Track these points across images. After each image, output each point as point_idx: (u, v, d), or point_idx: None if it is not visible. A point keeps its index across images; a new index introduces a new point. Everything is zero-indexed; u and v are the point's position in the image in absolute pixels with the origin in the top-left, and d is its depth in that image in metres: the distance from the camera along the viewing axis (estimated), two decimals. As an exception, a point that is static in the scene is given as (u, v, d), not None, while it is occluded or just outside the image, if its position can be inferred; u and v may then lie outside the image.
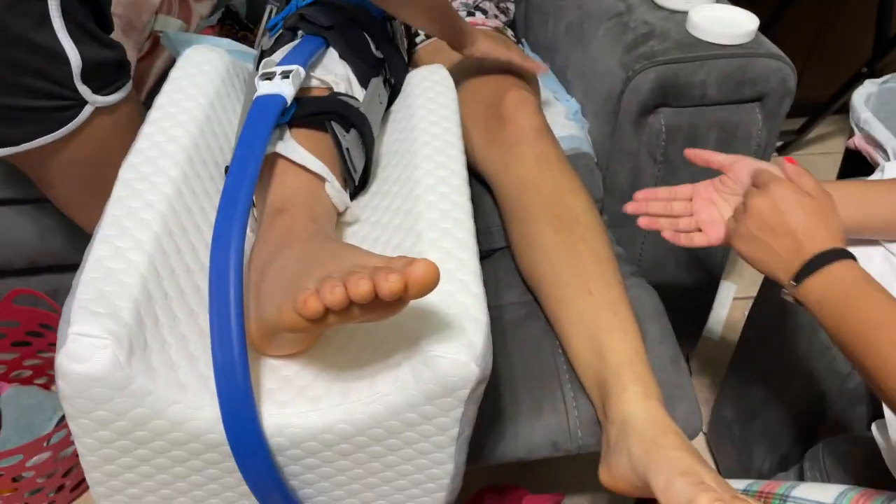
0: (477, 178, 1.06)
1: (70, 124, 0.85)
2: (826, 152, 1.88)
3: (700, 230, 0.80)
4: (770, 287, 1.05)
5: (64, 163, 0.90)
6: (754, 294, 1.11)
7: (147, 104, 1.16)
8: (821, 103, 1.74)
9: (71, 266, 0.87)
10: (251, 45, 1.26)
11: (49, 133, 0.84)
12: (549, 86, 1.28)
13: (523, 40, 1.44)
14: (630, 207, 0.86)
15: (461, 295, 0.64)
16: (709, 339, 1.53)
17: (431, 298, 0.62)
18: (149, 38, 1.19)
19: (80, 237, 1.05)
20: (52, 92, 0.81)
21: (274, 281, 0.62)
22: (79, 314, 0.56)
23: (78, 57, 0.81)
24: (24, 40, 0.77)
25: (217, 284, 0.58)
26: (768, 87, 1.03)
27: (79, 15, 0.81)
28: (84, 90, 0.84)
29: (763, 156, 1.10)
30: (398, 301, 0.52)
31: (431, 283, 0.50)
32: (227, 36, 1.24)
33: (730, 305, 1.58)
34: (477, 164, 1.04)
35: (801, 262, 0.64)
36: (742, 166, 0.76)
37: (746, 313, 1.14)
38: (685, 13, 1.08)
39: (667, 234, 0.82)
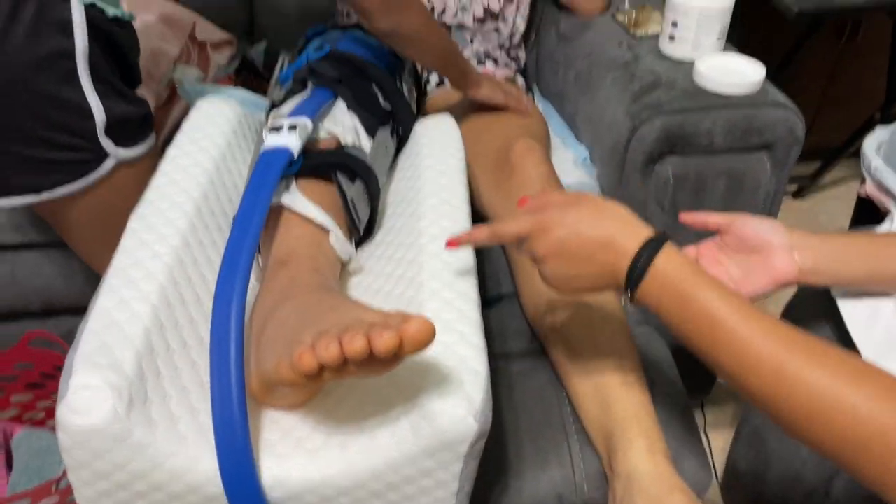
0: (484, 222, 1.07)
1: (91, 175, 0.87)
2: (841, 197, 1.86)
3: None
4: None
5: (84, 212, 0.92)
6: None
7: (163, 152, 1.19)
8: (834, 148, 1.73)
9: (86, 309, 0.89)
10: (266, 94, 1.30)
11: (70, 183, 0.87)
12: (558, 132, 1.29)
13: (534, 86, 1.46)
14: None
15: (461, 347, 0.64)
16: (723, 384, 1.50)
17: (431, 350, 0.62)
18: (167, 87, 1.22)
19: (97, 281, 1.06)
20: (76, 145, 0.84)
21: (275, 332, 0.62)
22: (80, 365, 0.57)
23: (102, 112, 0.84)
24: (52, 96, 0.79)
25: (218, 340, 0.59)
26: (775, 135, 1.03)
27: (106, 71, 0.84)
28: (107, 143, 0.87)
29: (772, 203, 1.10)
30: (394, 357, 0.52)
31: (426, 340, 0.51)
32: (242, 85, 1.27)
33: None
34: (484, 208, 1.04)
35: (624, 267, 0.60)
36: (741, 224, 0.75)
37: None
38: (692, 63, 1.09)
39: None
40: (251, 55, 1.36)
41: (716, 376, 1.35)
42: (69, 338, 1.22)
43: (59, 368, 1.24)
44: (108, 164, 0.88)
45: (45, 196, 0.87)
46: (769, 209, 1.11)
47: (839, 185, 1.90)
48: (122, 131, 0.87)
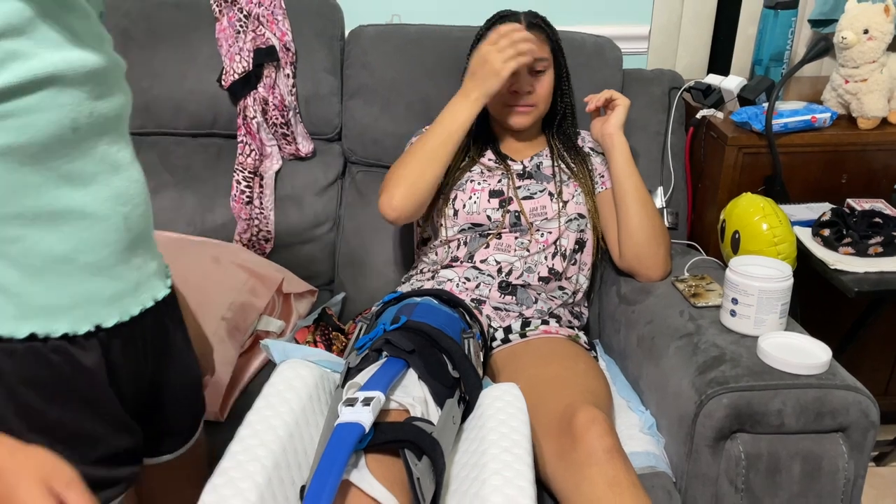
0: (548, 492, 1.04)
1: None
2: (930, 465, 1.74)
3: None
4: None
5: None
6: None
7: (240, 400, 1.22)
8: (915, 413, 1.66)
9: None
10: (342, 343, 1.37)
11: None
12: (623, 394, 1.29)
13: (597, 342, 1.49)
14: None
15: None
16: None
17: None
18: (251, 336, 1.31)
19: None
20: None
21: None
22: None
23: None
24: None
25: None
26: (849, 419, 1.01)
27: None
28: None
29: (853, 488, 1.04)
30: None
31: None
32: (320, 336, 1.35)
33: None
34: (548, 478, 1.02)
35: None
36: None
37: None
38: (755, 338, 1.11)
39: None
40: (329, 307, 1.46)
41: None
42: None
43: None
44: None
45: None
46: (850, 493, 1.05)
47: (926, 452, 1.79)
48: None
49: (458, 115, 1.27)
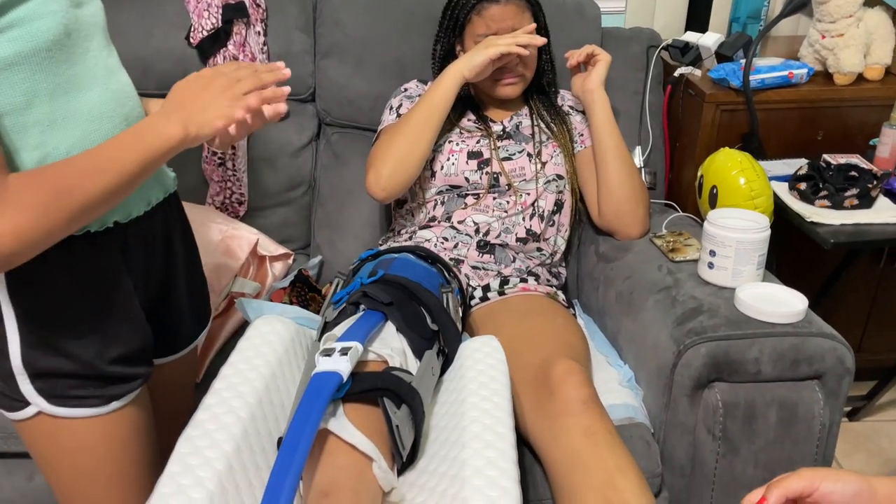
0: (528, 446, 1.04)
1: (12, 414, 0.81)
2: (901, 419, 1.78)
3: None
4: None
5: (28, 444, 0.84)
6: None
7: (216, 361, 1.22)
8: (886, 368, 1.69)
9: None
10: (319, 305, 1.35)
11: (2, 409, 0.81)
12: (601, 350, 1.29)
13: (575, 302, 1.49)
14: None
15: None
16: None
17: None
18: (225, 298, 1.29)
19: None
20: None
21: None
22: None
23: (19, 354, 0.76)
24: None
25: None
26: (825, 366, 1.02)
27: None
28: (28, 390, 0.78)
29: (828, 434, 1.06)
30: None
31: None
32: (296, 297, 1.33)
33: None
34: (526, 431, 1.02)
35: None
36: (827, 492, 0.68)
37: None
38: (732, 290, 1.12)
39: None
40: (306, 269, 1.44)
41: None
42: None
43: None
44: (28, 411, 0.79)
45: None
46: (825, 440, 1.06)
47: (897, 406, 1.83)
48: (49, 385, 0.78)
49: (442, 86, 1.27)
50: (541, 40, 1.24)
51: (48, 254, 0.70)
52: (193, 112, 0.75)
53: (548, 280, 1.41)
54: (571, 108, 1.45)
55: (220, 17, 1.45)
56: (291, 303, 1.30)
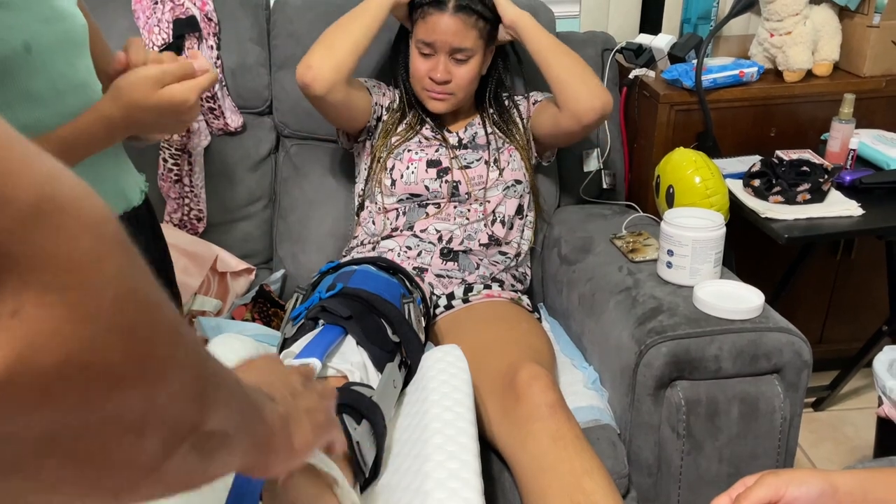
0: (496, 453, 1.04)
1: None
2: (862, 407, 1.81)
3: None
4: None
5: None
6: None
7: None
8: (847, 358, 1.73)
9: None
10: (281, 320, 1.33)
11: None
12: (566, 352, 1.30)
13: (540, 305, 1.50)
14: None
15: None
16: None
17: None
18: (185, 317, 1.27)
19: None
20: None
21: None
22: None
23: None
24: None
25: None
26: (783, 360, 1.03)
27: None
28: None
29: (790, 427, 1.07)
30: None
31: None
32: (258, 313, 1.31)
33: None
34: (493, 438, 1.02)
35: None
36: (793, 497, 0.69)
37: None
38: (691, 288, 1.13)
39: None
40: (268, 284, 1.42)
41: None
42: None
43: None
44: None
45: None
46: (787, 432, 1.08)
47: (860, 395, 1.86)
48: None
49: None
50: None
51: None
52: (142, 120, 0.77)
53: (512, 285, 1.41)
54: (517, 102, 1.45)
55: (170, 32, 1.43)
56: (254, 319, 1.29)
